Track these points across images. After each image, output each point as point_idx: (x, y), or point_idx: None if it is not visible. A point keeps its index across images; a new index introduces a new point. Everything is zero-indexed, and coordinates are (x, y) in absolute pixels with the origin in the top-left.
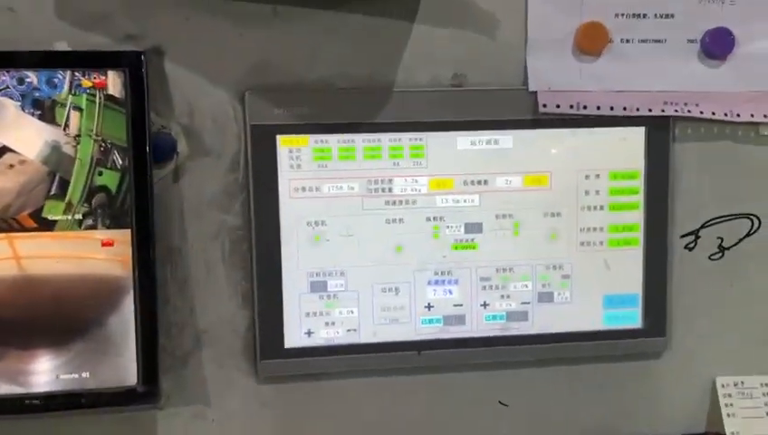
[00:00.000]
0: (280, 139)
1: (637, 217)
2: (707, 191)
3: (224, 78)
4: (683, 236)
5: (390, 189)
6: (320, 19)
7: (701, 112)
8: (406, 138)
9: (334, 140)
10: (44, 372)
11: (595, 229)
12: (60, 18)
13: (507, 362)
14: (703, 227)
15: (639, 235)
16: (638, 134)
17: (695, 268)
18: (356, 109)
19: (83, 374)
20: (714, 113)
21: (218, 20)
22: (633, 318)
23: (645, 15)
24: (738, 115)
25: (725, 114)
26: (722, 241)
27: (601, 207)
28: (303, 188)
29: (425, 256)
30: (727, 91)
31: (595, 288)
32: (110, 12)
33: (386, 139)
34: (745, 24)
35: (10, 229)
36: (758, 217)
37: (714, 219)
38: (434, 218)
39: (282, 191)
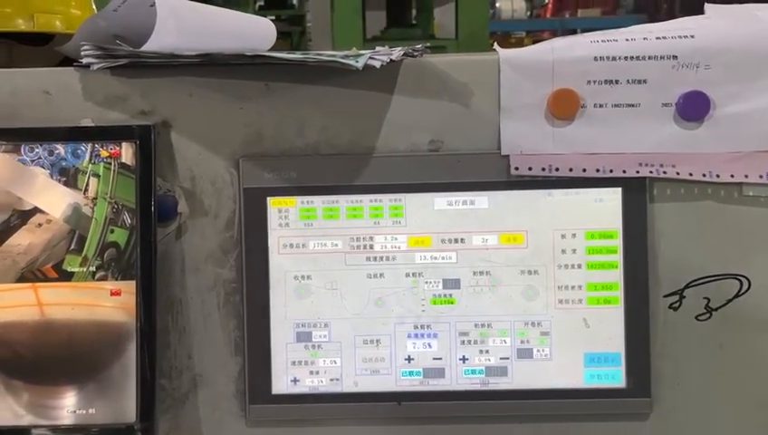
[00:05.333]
0: (270, 200)
1: (616, 275)
2: (691, 251)
3: (221, 147)
4: (666, 295)
5: (371, 246)
6: (306, 92)
7: (677, 173)
8: (386, 199)
9: (319, 201)
10: (61, 408)
11: (573, 287)
12: (86, 100)
13: (487, 416)
14: (687, 286)
15: (620, 293)
16: (614, 195)
17: (681, 329)
18: (339, 173)
19: (90, 411)
20: (691, 174)
21: (217, 96)
22: (616, 377)
23: (617, 81)
24: (718, 176)
25: (704, 175)
26: (709, 301)
27: (579, 266)
28: (291, 245)
29: (405, 310)
30: (705, 153)
31: (575, 346)
32: (128, 93)
33: (367, 200)
34: (721, 87)
35: (36, 279)
36: (747, 278)
37: (699, 279)
38: (413, 274)
39: (271, 247)
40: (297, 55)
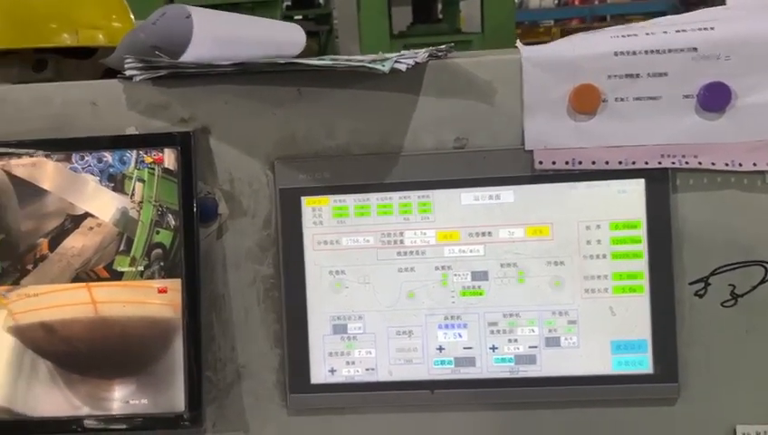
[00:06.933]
0: (304, 199)
1: (641, 265)
2: (715, 239)
3: (257, 150)
4: (692, 283)
5: (402, 241)
6: (337, 96)
7: (700, 163)
8: (414, 195)
9: (351, 200)
10: (115, 399)
11: (599, 277)
12: (130, 109)
13: (517, 403)
14: (713, 274)
15: (644, 282)
16: (637, 186)
17: (706, 315)
18: (369, 172)
19: (142, 401)
20: (713, 164)
21: (252, 102)
22: (643, 363)
23: (638, 75)
24: (740, 165)
25: (726, 164)
26: (734, 288)
27: (604, 256)
28: (325, 242)
29: (435, 302)
30: (727, 143)
31: (602, 333)
32: (168, 102)
33: (396, 197)
34: (742, 78)
35: (89, 279)
36: None
37: (724, 267)
38: (442, 267)
39: (306, 245)
40: (326, 61)
